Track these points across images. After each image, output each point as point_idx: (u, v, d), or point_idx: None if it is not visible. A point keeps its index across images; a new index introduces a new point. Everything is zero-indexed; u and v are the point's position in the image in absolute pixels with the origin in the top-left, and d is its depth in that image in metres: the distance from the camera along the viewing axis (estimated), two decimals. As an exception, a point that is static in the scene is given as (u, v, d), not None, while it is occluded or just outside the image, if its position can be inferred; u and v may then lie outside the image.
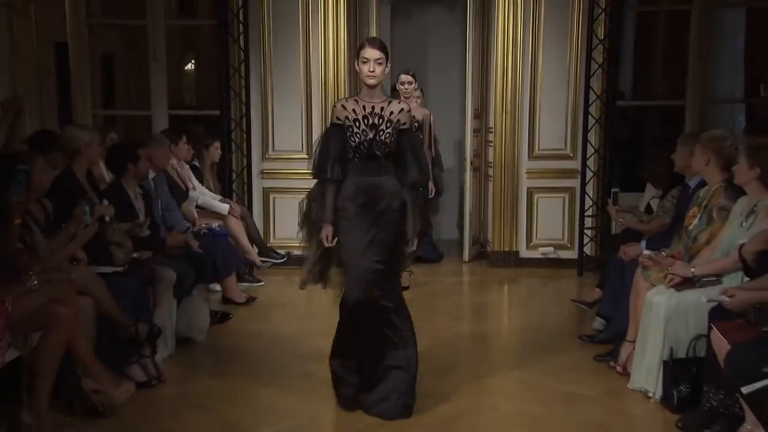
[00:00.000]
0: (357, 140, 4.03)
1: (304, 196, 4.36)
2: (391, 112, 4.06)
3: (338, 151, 4.04)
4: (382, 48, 4.09)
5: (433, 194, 6.95)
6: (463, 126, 8.44)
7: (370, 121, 4.03)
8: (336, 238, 4.06)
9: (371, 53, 3.99)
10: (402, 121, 4.11)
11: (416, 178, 4.18)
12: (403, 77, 6.51)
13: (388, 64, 4.11)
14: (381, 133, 4.05)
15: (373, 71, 3.98)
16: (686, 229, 4.85)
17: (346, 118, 4.05)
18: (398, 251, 4.19)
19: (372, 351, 4.20)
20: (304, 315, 6.51)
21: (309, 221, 4.23)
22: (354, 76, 7.96)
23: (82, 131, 5.29)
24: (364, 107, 4.06)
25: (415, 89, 6.87)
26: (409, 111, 4.27)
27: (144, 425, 4.14)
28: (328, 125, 4.37)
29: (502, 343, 6.09)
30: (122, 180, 5.33)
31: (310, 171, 4.24)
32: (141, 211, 5.51)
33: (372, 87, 4.07)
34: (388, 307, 4.10)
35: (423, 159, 4.55)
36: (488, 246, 8.11)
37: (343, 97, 6.91)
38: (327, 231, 4.03)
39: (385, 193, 4.05)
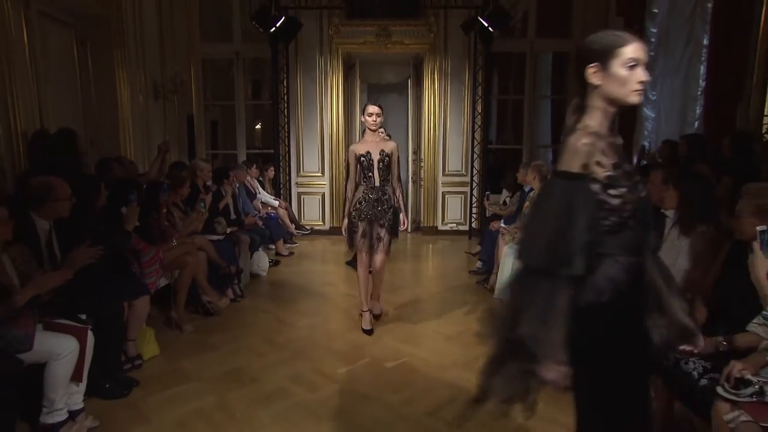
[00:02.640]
0: (631, 207, 1.34)
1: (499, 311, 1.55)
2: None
3: (589, 226, 1.29)
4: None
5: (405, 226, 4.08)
6: (407, 158, 8.43)
7: (628, 171, 1.39)
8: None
9: (643, 52, 1.40)
10: None
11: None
12: (373, 108, 3.73)
13: None
14: (644, 188, 1.45)
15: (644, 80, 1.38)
16: (523, 213, 4.93)
17: (598, 164, 1.33)
18: None
19: None
20: (321, 262, 6.45)
21: (515, 347, 1.32)
22: (351, 126, 8.01)
23: (202, 162, 5.31)
24: (611, 145, 1.37)
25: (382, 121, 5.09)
26: None
27: (234, 320, 4.18)
28: (564, 176, 1.36)
29: (428, 275, 6.14)
30: (221, 188, 5.35)
31: (524, 256, 1.41)
32: (231, 205, 5.50)
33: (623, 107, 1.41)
34: None
35: None
36: (420, 223, 8.10)
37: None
38: (561, 376, 1.29)
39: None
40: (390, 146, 3.85)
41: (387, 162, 3.77)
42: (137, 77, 5.82)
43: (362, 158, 3.76)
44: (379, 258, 3.81)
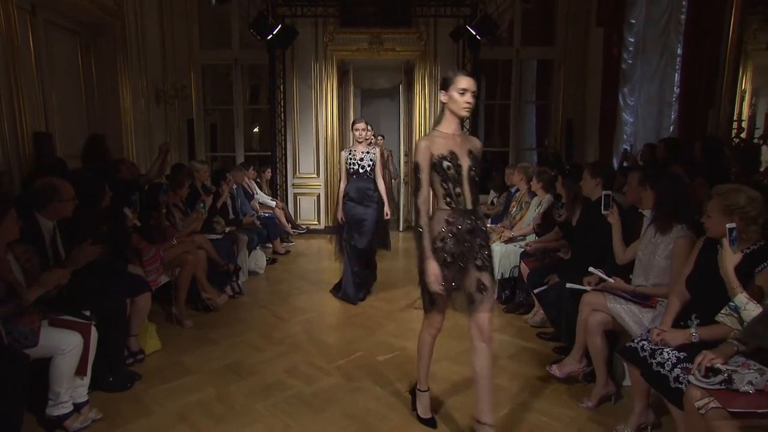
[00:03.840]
0: None
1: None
2: None
3: None
4: None
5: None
6: (399, 159, 8.47)
7: None
8: None
9: None
10: None
11: None
12: (468, 81, 2.19)
13: None
14: None
15: None
16: (510, 212, 4.97)
17: None
18: None
19: None
20: (316, 260, 6.45)
21: None
22: (345, 129, 7.93)
23: (198, 163, 5.27)
24: None
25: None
26: None
27: (233, 316, 4.17)
28: None
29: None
30: (220, 188, 5.30)
31: None
32: (229, 205, 5.48)
33: None
34: None
35: None
36: (412, 222, 8.05)
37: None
38: None
39: None
40: (477, 144, 2.35)
41: (477, 169, 2.28)
42: (139, 83, 5.80)
43: (444, 163, 2.21)
44: (484, 318, 2.21)
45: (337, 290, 4.68)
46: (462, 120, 2.30)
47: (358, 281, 4.53)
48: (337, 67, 7.56)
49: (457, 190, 2.23)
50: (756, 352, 1.92)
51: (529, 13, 7.59)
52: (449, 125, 2.28)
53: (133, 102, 5.56)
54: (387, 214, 4.58)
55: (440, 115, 2.31)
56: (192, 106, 7.28)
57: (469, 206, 2.26)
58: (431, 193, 2.28)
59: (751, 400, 1.77)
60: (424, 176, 2.23)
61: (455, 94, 2.21)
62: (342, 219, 4.49)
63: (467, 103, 2.21)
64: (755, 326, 1.88)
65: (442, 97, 2.25)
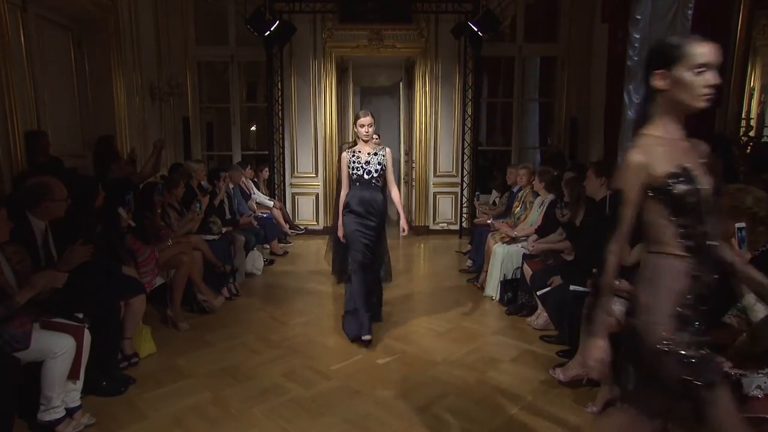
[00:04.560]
0: None
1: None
2: None
3: None
4: None
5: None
6: (399, 159, 8.46)
7: None
8: None
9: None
10: None
11: None
12: (710, 51, 1.38)
13: None
14: None
15: None
16: (513, 212, 5.00)
17: None
18: None
19: None
20: (314, 261, 6.38)
21: None
22: (345, 127, 7.94)
23: (194, 163, 5.28)
24: None
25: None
26: None
27: (229, 318, 4.16)
28: None
29: (419, 273, 6.07)
30: (215, 188, 5.29)
31: None
32: (226, 205, 5.46)
33: None
34: None
35: None
36: (413, 222, 7.98)
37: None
38: None
39: None
40: (705, 149, 1.56)
41: (717, 193, 1.53)
42: (133, 79, 5.79)
43: (678, 187, 1.44)
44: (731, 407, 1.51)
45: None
46: (689, 115, 1.45)
47: (368, 312, 3.67)
48: (336, 65, 7.54)
49: (701, 228, 1.44)
50: (764, 355, 1.92)
51: (532, 9, 7.58)
52: (669, 126, 1.46)
53: (127, 99, 5.56)
54: (404, 230, 3.69)
55: (649, 110, 1.48)
56: (188, 103, 7.27)
57: (717, 253, 1.49)
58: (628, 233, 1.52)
59: (759, 405, 1.77)
60: (629, 211, 1.46)
61: (687, 75, 1.39)
62: (343, 236, 3.71)
63: (707, 87, 1.39)
64: (763, 328, 1.87)
65: (658, 81, 1.42)
